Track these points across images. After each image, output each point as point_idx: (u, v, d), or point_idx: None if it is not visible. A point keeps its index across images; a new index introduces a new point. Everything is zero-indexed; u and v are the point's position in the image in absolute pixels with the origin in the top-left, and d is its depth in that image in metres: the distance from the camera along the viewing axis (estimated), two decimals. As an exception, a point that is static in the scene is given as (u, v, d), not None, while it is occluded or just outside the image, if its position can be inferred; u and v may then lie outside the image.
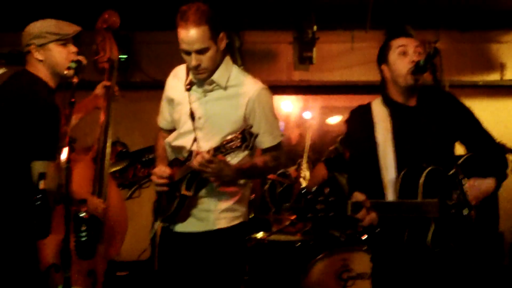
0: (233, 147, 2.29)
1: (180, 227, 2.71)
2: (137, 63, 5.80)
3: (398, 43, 2.53)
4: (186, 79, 2.70)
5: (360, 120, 2.62)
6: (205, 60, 2.53)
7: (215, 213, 2.65)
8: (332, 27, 5.73)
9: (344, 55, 5.85)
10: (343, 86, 5.93)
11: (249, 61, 5.74)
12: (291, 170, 5.27)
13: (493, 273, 2.47)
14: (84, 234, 2.45)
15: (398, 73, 2.50)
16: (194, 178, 2.57)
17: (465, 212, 2.34)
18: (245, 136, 2.26)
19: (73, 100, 2.42)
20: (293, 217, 4.44)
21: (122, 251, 3.08)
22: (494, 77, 5.88)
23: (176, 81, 2.77)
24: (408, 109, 2.54)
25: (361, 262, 3.97)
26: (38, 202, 2.21)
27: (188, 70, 2.69)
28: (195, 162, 2.43)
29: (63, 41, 2.67)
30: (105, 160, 3.03)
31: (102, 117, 3.12)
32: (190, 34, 2.45)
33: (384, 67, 2.57)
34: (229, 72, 2.66)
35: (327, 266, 4.06)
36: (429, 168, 2.34)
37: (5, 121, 2.49)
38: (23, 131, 2.44)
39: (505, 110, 5.90)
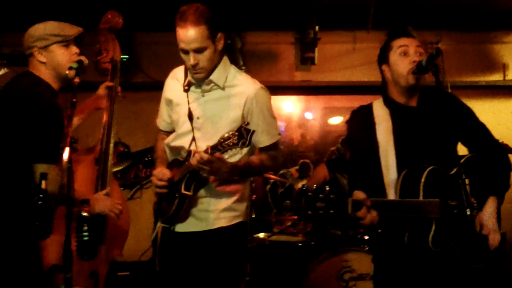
0: (230, 144, 2.31)
1: (180, 228, 2.71)
2: (138, 64, 5.80)
3: (399, 43, 2.52)
4: (185, 80, 2.72)
5: (361, 121, 2.62)
6: (203, 59, 2.55)
7: (214, 213, 2.66)
8: (333, 28, 5.73)
9: (346, 56, 5.85)
10: (345, 87, 5.93)
11: (250, 62, 5.74)
12: (293, 170, 5.28)
13: (495, 273, 2.46)
14: (85, 234, 2.44)
15: (399, 74, 2.50)
16: (193, 177, 2.59)
17: (468, 212, 2.34)
18: (242, 133, 2.28)
19: (74, 100, 2.42)
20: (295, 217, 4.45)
21: (124, 251, 3.08)
22: (496, 77, 5.87)
23: (175, 82, 2.79)
24: (409, 109, 2.53)
25: (363, 263, 3.96)
26: (40, 203, 2.21)
27: (187, 71, 2.71)
28: (193, 161, 2.44)
29: (65, 42, 2.67)
30: (108, 161, 3.03)
31: (104, 118, 3.12)
32: (189, 34, 2.48)
33: (385, 67, 2.57)
34: (227, 72, 2.68)
35: (329, 267, 4.06)
36: (430, 168, 2.34)
37: (8, 123, 2.49)
38: (26, 133, 2.44)
39: (507, 110, 5.90)
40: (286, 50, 5.88)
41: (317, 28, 5.45)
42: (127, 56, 5.49)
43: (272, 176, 4.94)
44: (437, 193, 2.31)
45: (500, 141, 2.67)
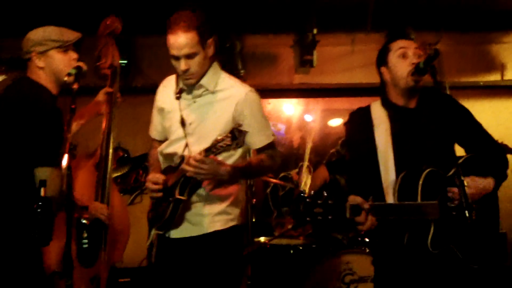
0: (224, 146, 2.35)
1: (175, 233, 2.73)
2: (138, 67, 5.79)
3: (398, 45, 2.53)
4: (176, 88, 2.77)
5: (359, 122, 2.62)
6: (194, 65, 2.61)
7: (209, 217, 2.68)
8: (332, 30, 5.72)
9: (345, 58, 5.84)
10: (344, 89, 5.92)
11: (250, 65, 5.74)
12: (293, 173, 5.27)
13: (495, 274, 2.46)
14: (85, 241, 2.44)
15: (398, 75, 2.51)
16: (187, 182, 2.61)
17: (467, 214, 2.34)
18: (235, 134, 2.32)
19: (73, 106, 2.42)
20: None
21: (124, 257, 3.08)
22: (494, 77, 5.86)
23: (167, 90, 2.84)
24: (408, 111, 2.53)
25: (364, 266, 3.96)
26: (39, 209, 2.20)
27: (178, 80, 2.77)
28: (187, 165, 2.46)
29: (64, 48, 2.68)
30: (108, 166, 3.03)
31: (104, 124, 3.12)
32: (179, 40, 2.54)
33: (383, 69, 2.57)
34: (217, 77, 2.73)
35: (330, 269, 4.06)
36: (428, 170, 2.34)
37: (8, 128, 2.49)
38: (27, 137, 2.44)
39: (506, 110, 5.89)
40: (285, 52, 5.87)
41: (315, 30, 5.44)
42: (126, 61, 5.49)
43: (273, 180, 4.93)
44: (435, 195, 2.31)
45: (500, 141, 2.68)
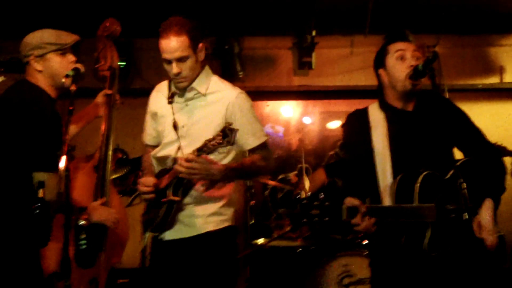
0: (216, 144, 2.40)
1: (169, 235, 2.75)
2: (137, 69, 5.80)
3: (396, 48, 2.53)
4: (168, 93, 2.82)
5: (356, 125, 2.63)
6: (185, 68, 2.67)
7: (202, 218, 2.71)
8: (331, 32, 5.73)
9: (344, 60, 5.85)
10: (343, 91, 5.92)
11: (248, 67, 5.74)
12: (291, 175, 5.26)
13: (494, 276, 2.46)
14: (83, 242, 2.45)
15: (396, 78, 2.50)
16: (180, 183, 2.64)
17: (466, 216, 2.34)
18: (226, 132, 2.37)
19: (71, 108, 2.43)
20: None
21: (123, 258, 3.08)
22: (493, 80, 5.87)
23: (159, 95, 2.89)
24: (405, 113, 2.53)
25: (362, 268, 3.96)
26: (37, 211, 2.21)
27: (170, 85, 2.82)
28: (180, 166, 2.49)
29: (62, 50, 2.69)
30: (107, 168, 3.04)
31: (103, 126, 3.13)
32: (171, 44, 2.61)
33: (381, 71, 2.57)
34: (209, 80, 2.79)
35: (328, 271, 4.05)
36: (425, 173, 2.34)
37: (6, 131, 2.49)
38: (25, 141, 2.45)
39: (505, 113, 5.89)
40: (283, 55, 5.88)
41: (314, 32, 5.46)
42: (125, 63, 5.49)
43: (271, 182, 4.93)
44: (432, 198, 2.31)
45: (498, 143, 2.67)
